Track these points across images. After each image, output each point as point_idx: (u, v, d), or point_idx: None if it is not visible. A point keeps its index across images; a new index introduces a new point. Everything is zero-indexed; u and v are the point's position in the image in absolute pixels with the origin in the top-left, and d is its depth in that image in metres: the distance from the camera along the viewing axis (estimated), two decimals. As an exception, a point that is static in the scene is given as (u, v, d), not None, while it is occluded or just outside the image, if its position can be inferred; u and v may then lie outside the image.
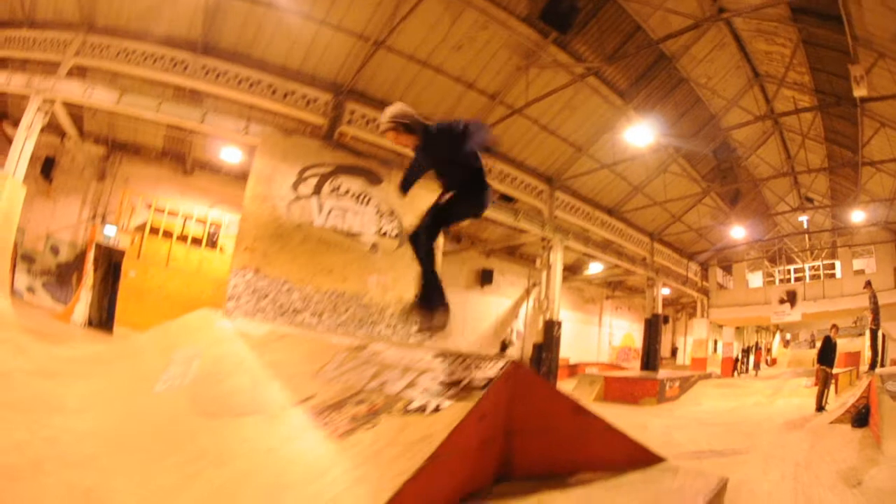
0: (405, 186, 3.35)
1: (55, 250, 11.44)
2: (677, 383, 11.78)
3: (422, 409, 2.34)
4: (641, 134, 10.49)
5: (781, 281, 17.79)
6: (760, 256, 18.07)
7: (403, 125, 2.94)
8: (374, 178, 9.01)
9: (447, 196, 3.12)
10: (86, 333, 9.51)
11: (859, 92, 8.06)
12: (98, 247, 10.54)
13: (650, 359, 14.18)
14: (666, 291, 16.36)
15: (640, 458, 2.73)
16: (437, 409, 2.27)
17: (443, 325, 3.13)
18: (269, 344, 5.17)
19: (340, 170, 8.86)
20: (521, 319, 14.61)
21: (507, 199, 11.23)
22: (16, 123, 11.74)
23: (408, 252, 9.45)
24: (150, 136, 11.48)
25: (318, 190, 8.64)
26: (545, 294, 11.38)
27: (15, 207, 8.65)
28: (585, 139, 11.40)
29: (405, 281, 8.67)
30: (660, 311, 15.17)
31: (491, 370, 2.39)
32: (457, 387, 2.37)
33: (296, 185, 8.56)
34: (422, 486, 1.87)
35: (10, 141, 11.94)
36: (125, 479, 2.72)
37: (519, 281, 14.61)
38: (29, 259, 11.18)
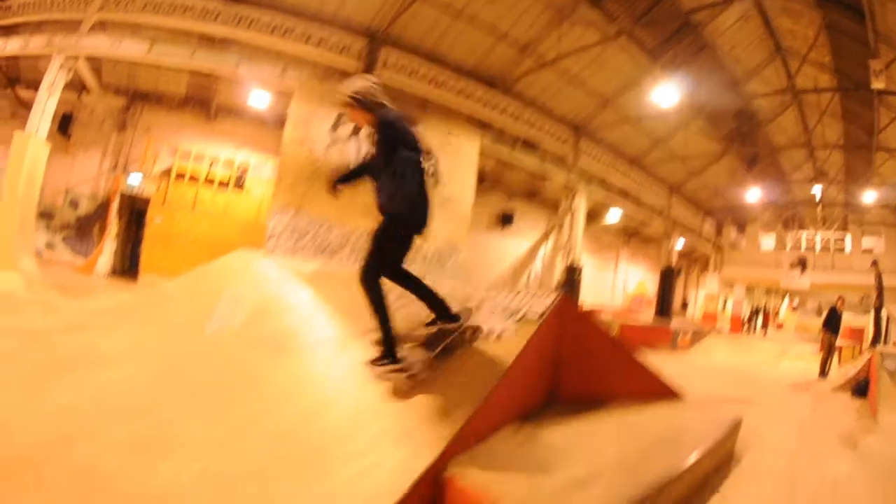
0: (343, 179, 3.13)
1: (74, 204, 11.78)
2: (689, 334, 12.63)
3: (486, 336, 2.67)
4: (666, 93, 11.10)
5: (793, 248, 18.75)
6: (774, 220, 18.94)
7: (361, 102, 2.91)
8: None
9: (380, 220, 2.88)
10: (111, 283, 9.93)
11: (877, 84, 8.78)
12: (122, 196, 10.89)
13: (664, 308, 15.03)
14: (680, 245, 17.17)
15: (665, 393, 3.16)
16: (499, 337, 2.61)
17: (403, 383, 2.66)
18: (319, 281, 5.31)
19: (379, 113, 9.31)
20: (539, 262, 15.28)
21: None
22: (30, 86, 12.16)
23: (442, 192, 9.84)
24: (172, 85, 11.85)
25: (355, 132, 9.11)
26: (568, 239, 12.06)
27: (38, 167, 9.00)
28: (611, 93, 12.08)
29: (439, 221, 9.24)
30: (675, 262, 16.03)
31: (544, 303, 2.70)
32: (516, 317, 2.69)
33: (333, 129, 9.03)
34: (491, 407, 2.19)
35: (23, 103, 12.41)
36: (186, 425, 2.79)
37: (539, 224, 15.32)
38: (47, 215, 11.50)
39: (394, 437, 2.24)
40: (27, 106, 12.37)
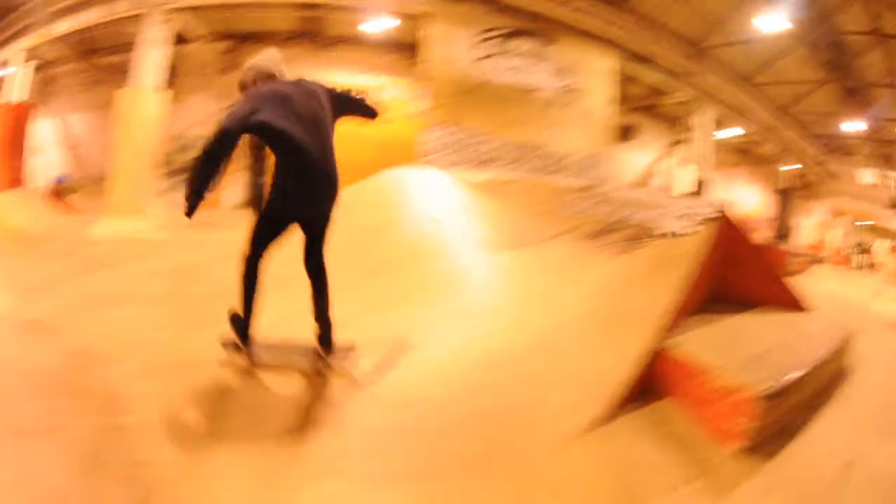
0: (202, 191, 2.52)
1: (186, 148, 12.24)
2: (801, 259, 13.09)
3: (669, 235, 3.03)
4: (768, 19, 11.57)
5: (888, 188, 19.00)
6: (873, 155, 19.16)
7: (241, 84, 2.88)
8: (546, 39, 10.00)
9: None
10: (243, 215, 10.37)
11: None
12: None
13: (780, 230, 15.47)
14: (788, 168, 17.52)
15: (796, 304, 3.47)
16: (680, 236, 2.95)
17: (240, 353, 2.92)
18: (495, 189, 5.90)
19: (515, 32, 9.92)
20: (661, 176, 15.75)
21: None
22: (110, 52, 12.92)
23: (582, 106, 10.26)
24: (277, 22, 12.23)
25: (496, 50, 9.59)
26: (695, 155, 12.89)
27: (154, 117, 9.54)
28: (720, 14, 12.35)
29: (581, 134, 9.77)
30: (787, 185, 16.45)
31: (710, 209, 3.04)
32: (689, 219, 3.02)
33: (475, 47, 9.54)
34: (687, 296, 2.58)
35: (106, 69, 13.30)
36: (395, 325, 3.29)
37: (658, 138, 15.83)
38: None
39: (615, 320, 2.68)
40: (113, 70, 13.06)
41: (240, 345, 2.92)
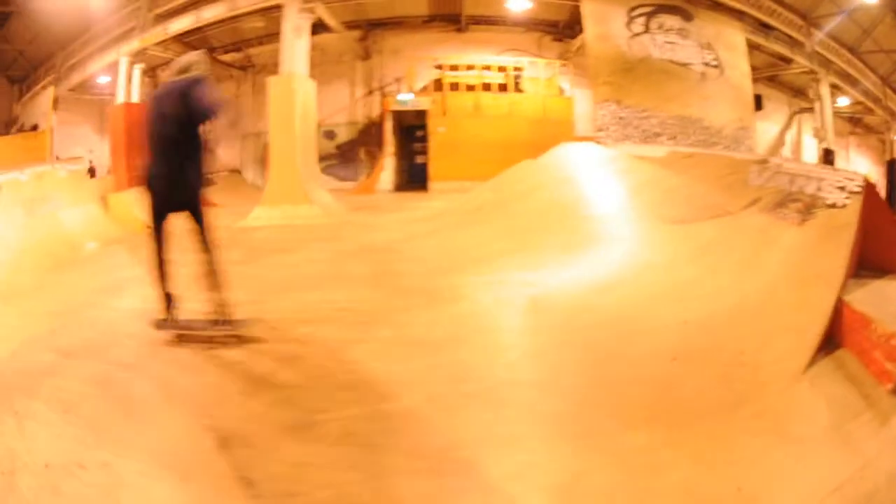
0: None
1: (330, 135, 13.25)
2: None
3: (833, 206, 3.43)
4: None
5: None
6: None
7: None
8: (687, 15, 10.85)
9: None
10: (405, 196, 11.41)
11: None
12: (393, 114, 12.30)
13: (891, 202, 16.32)
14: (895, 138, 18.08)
15: None
16: (839, 206, 3.33)
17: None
18: (677, 163, 6.22)
19: (660, 9, 10.68)
20: (787, 146, 16.69)
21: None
22: (227, 50, 13.73)
23: (729, 79, 11.06)
24: (410, 7, 13.04)
25: (646, 28, 10.48)
26: (820, 124, 13.76)
27: (310, 102, 9.63)
28: None
29: (728, 109, 10.63)
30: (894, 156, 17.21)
31: (857, 180, 3.36)
32: (844, 191, 3.39)
33: (628, 25, 10.41)
34: (852, 258, 3.04)
35: (223, 64, 13.87)
36: None
37: (782, 108, 16.65)
38: (303, 152, 12.81)
39: (804, 282, 3.22)
40: (235, 67, 13.92)
41: (162, 320, 3.28)
